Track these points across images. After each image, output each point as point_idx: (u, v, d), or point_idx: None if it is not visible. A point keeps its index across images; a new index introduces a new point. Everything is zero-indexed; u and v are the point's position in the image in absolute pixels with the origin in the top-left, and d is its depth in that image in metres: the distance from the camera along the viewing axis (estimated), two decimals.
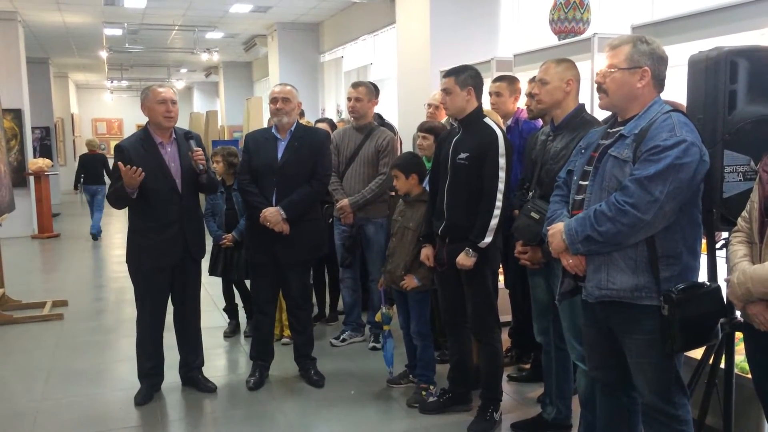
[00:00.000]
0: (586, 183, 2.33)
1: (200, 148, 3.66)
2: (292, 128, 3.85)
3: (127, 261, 3.74)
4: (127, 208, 3.70)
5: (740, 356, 2.50)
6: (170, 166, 3.64)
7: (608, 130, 2.38)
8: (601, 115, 3.30)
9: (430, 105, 4.71)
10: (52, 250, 9.27)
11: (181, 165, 3.67)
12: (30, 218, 10.20)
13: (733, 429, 2.52)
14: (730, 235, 2.27)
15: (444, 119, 4.56)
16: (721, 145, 2.35)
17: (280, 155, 3.81)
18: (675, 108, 2.27)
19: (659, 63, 2.27)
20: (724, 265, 2.27)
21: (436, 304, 3.88)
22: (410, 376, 3.91)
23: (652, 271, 2.18)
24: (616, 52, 2.27)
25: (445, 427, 3.41)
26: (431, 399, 3.61)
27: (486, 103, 4.26)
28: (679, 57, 2.73)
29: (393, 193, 4.40)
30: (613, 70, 2.26)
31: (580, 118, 2.96)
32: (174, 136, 3.70)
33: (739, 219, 2.22)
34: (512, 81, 4.13)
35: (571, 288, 2.45)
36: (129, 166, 3.43)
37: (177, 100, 3.68)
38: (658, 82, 2.29)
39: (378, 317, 3.98)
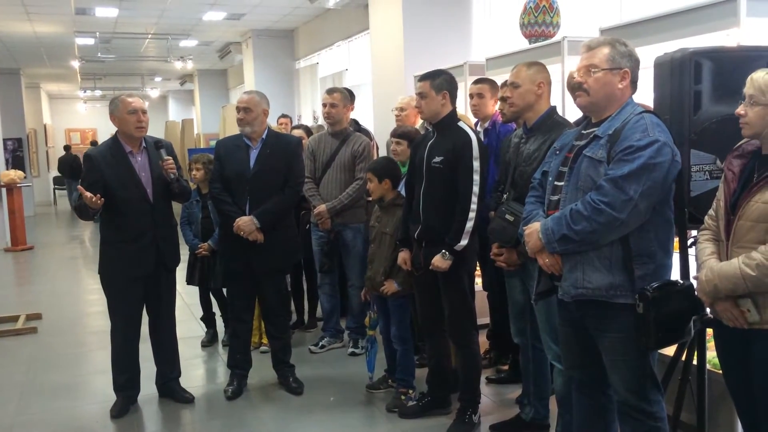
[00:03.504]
0: (562, 183, 2.36)
1: (170, 158, 3.64)
2: (264, 135, 3.83)
3: (100, 272, 3.69)
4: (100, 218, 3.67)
5: (712, 352, 2.53)
6: (141, 175, 3.60)
7: (582, 131, 2.41)
8: (573, 116, 3.35)
9: (397, 108, 4.74)
10: (25, 263, 9.13)
11: (151, 174, 3.63)
12: (3, 231, 10.04)
13: (706, 424, 2.56)
14: (698, 233, 2.30)
15: (418, 124, 4.58)
16: (688, 145, 2.39)
17: (252, 163, 3.78)
18: (647, 109, 2.31)
19: (636, 65, 2.32)
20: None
21: (414, 308, 3.88)
22: (389, 381, 3.91)
23: (626, 270, 2.21)
24: (594, 52, 2.30)
25: (425, 431, 3.42)
26: (410, 403, 3.61)
27: (462, 106, 4.30)
28: (646, 59, 2.77)
29: (370, 199, 4.40)
30: (594, 70, 2.28)
31: (551, 120, 2.99)
32: (144, 144, 3.66)
33: (706, 217, 2.26)
34: (493, 83, 4.16)
35: (547, 288, 2.47)
36: (91, 196, 3.35)
37: (147, 110, 3.64)
38: (633, 84, 2.33)
39: (367, 321, 3.97)
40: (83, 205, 3.44)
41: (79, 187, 3.46)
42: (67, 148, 16.85)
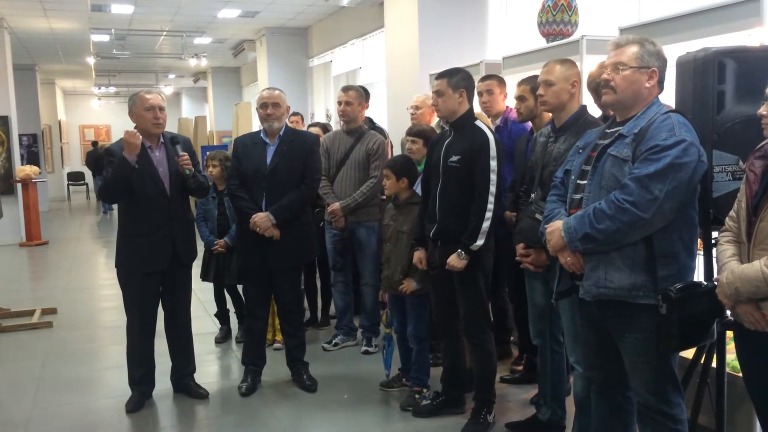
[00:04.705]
0: (585, 182, 2.34)
1: (185, 153, 3.65)
2: (281, 132, 3.84)
3: (116, 266, 3.72)
4: (117, 214, 3.69)
5: (731, 355, 2.51)
6: (158, 170, 3.62)
7: (606, 130, 2.40)
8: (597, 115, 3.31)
9: (412, 106, 4.72)
10: (40, 258, 9.20)
11: (169, 169, 3.65)
12: (18, 226, 10.12)
13: (725, 427, 2.53)
14: (719, 234, 2.28)
15: (434, 122, 4.57)
16: (710, 145, 2.37)
17: (269, 160, 3.79)
18: (673, 109, 2.29)
19: (663, 64, 2.31)
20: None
21: (431, 307, 3.87)
22: (404, 379, 3.90)
23: (649, 270, 2.19)
24: (623, 50, 2.29)
25: (439, 430, 3.41)
26: (425, 402, 3.61)
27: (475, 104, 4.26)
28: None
29: (384, 197, 4.40)
30: (622, 67, 2.27)
31: (583, 119, 2.92)
32: (162, 140, 3.68)
33: (727, 219, 2.23)
34: (501, 79, 4.14)
35: (568, 287, 2.46)
36: (134, 132, 3.50)
37: (165, 107, 3.66)
38: (660, 84, 2.31)
39: (383, 319, 3.97)
40: (120, 165, 3.48)
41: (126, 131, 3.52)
42: (95, 143, 17.60)
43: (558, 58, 3.08)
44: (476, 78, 3.94)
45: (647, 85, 2.28)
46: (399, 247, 3.68)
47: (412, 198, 3.70)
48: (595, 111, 3.26)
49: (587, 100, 3.33)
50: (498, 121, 4.07)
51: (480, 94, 4.05)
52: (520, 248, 3.01)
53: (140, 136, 3.51)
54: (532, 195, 3.02)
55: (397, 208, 3.77)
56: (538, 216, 2.84)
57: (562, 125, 2.94)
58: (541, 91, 2.95)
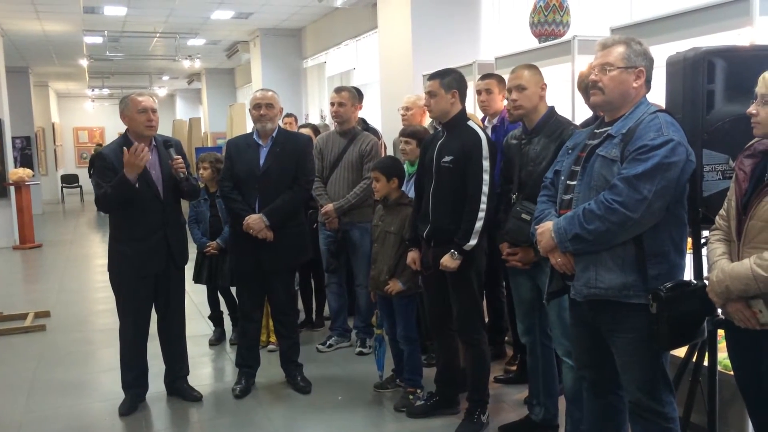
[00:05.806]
0: (574, 183, 2.35)
1: (179, 156, 3.64)
2: (274, 134, 3.84)
3: (109, 270, 3.70)
4: (108, 216, 3.67)
5: (723, 353, 2.52)
6: (151, 173, 3.60)
7: (595, 130, 2.41)
8: (582, 116, 3.33)
9: (402, 108, 4.72)
10: (33, 261, 9.17)
11: (161, 172, 3.64)
12: (11, 229, 10.08)
13: (717, 426, 2.54)
14: (709, 233, 2.29)
15: (426, 123, 4.57)
16: (700, 144, 2.37)
17: (262, 161, 3.79)
18: (661, 108, 2.30)
19: (650, 64, 2.32)
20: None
21: (422, 307, 3.87)
22: (397, 380, 3.90)
23: (639, 270, 2.20)
24: (610, 50, 2.30)
25: (433, 431, 3.41)
26: (418, 403, 3.61)
27: (471, 104, 4.28)
28: (656, 58, 2.75)
29: (377, 198, 4.40)
30: (610, 68, 2.28)
31: (554, 120, 3.02)
32: (154, 143, 3.67)
33: (717, 217, 2.25)
34: (501, 78, 4.14)
35: (559, 287, 2.47)
36: (135, 146, 3.42)
37: (157, 108, 3.64)
38: (648, 83, 2.32)
39: (374, 320, 3.97)
40: (119, 182, 3.44)
41: (138, 145, 3.45)
42: (99, 146, 17.60)
43: (534, 61, 3.17)
44: (469, 79, 3.96)
45: (635, 84, 2.29)
46: (385, 248, 3.68)
47: (401, 198, 3.70)
48: (586, 111, 3.27)
49: (578, 100, 3.35)
50: (495, 121, 4.06)
51: (479, 92, 4.07)
52: (504, 247, 3.07)
53: (147, 159, 3.47)
54: (513, 196, 3.06)
55: (386, 208, 3.77)
56: (524, 216, 2.88)
57: (534, 127, 3.04)
58: (514, 95, 3.05)
